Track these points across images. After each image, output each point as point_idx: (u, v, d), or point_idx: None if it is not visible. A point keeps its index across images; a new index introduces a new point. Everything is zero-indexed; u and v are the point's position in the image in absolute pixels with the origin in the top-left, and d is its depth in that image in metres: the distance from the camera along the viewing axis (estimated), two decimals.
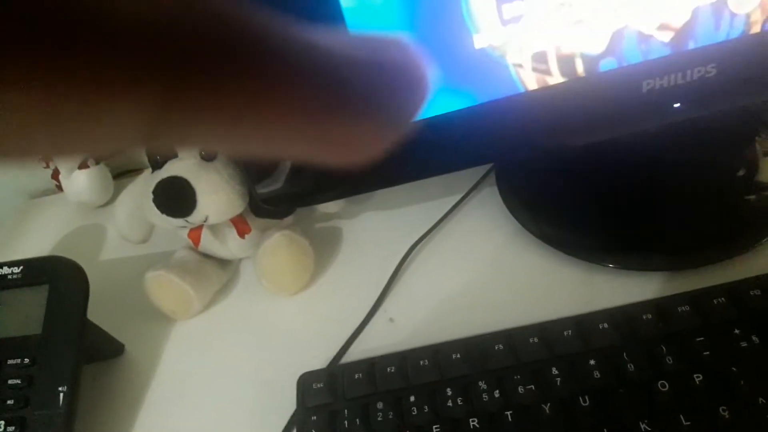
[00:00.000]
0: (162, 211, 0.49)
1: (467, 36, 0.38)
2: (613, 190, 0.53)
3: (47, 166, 0.71)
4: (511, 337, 0.43)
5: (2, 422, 0.44)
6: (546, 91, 0.40)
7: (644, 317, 0.42)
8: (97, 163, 0.69)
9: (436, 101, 0.41)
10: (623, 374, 0.40)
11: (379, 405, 0.42)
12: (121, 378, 0.53)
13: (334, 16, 0.36)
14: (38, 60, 0.08)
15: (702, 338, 0.40)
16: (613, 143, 0.44)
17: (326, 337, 0.50)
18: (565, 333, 0.42)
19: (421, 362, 0.43)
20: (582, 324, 0.43)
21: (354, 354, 0.48)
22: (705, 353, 0.39)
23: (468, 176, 0.60)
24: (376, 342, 0.49)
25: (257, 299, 0.55)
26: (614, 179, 0.53)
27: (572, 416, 0.39)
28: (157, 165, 0.51)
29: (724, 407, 0.36)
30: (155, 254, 0.61)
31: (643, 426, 0.37)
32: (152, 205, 0.49)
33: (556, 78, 0.40)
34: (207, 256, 0.57)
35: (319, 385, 0.44)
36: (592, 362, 0.40)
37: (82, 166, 0.68)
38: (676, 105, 0.42)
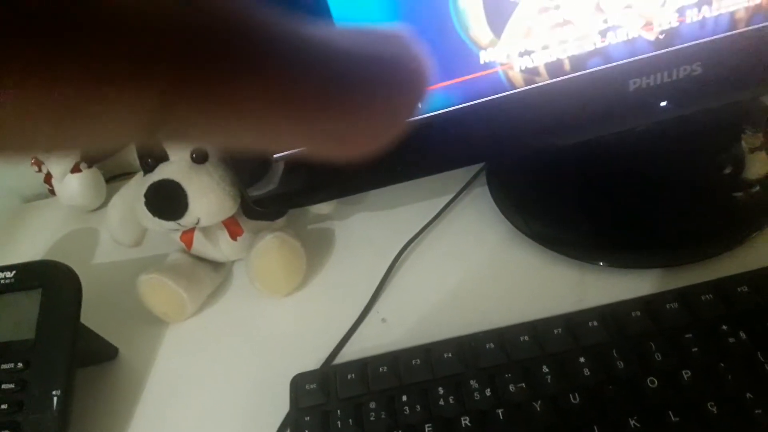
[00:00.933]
0: (154, 214, 0.49)
1: (455, 37, 0.38)
2: (603, 188, 0.53)
3: (39, 170, 0.71)
4: (502, 336, 0.44)
5: None
6: (534, 90, 0.41)
7: (633, 314, 0.42)
8: (90, 166, 0.69)
9: (425, 102, 0.41)
10: (613, 371, 0.40)
11: (372, 405, 0.42)
12: (115, 381, 0.53)
13: (320, 14, 0.36)
14: (39, 55, 0.08)
15: (690, 335, 0.40)
16: (601, 142, 0.45)
17: (319, 338, 0.50)
18: (556, 331, 0.43)
19: (413, 362, 0.44)
20: (572, 322, 0.43)
21: (347, 354, 0.49)
22: (693, 349, 0.39)
23: (459, 176, 0.60)
24: (369, 342, 0.49)
25: (250, 301, 0.56)
26: (603, 178, 0.54)
27: (562, 413, 0.39)
28: (148, 168, 0.52)
29: (712, 403, 0.37)
30: (148, 257, 0.61)
31: (632, 422, 0.37)
32: (144, 208, 0.50)
33: (543, 78, 0.40)
34: (199, 259, 0.57)
35: (312, 386, 0.44)
36: (582, 360, 0.41)
37: (75, 170, 0.68)
38: (663, 103, 0.42)
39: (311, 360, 0.48)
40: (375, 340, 0.49)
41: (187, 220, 0.50)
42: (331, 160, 0.13)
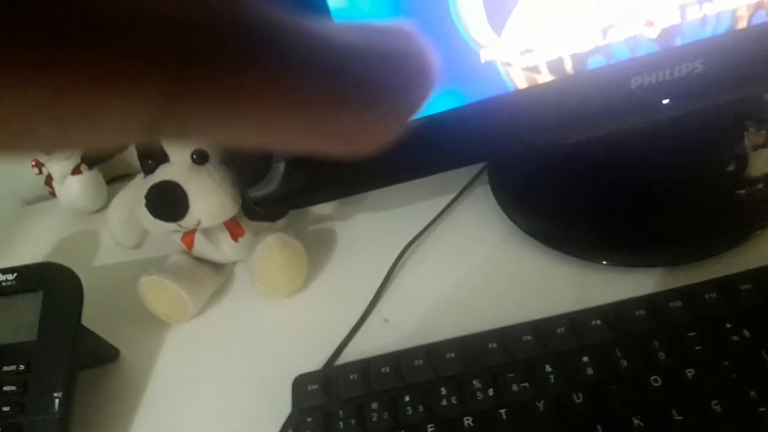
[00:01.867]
0: (154, 216, 0.49)
1: (455, 35, 0.38)
2: (605, 187, 0.53)
3: (40, 172, 0.71)
4: (505, 335, 0.43)
5: None
6: (535, 89, 0.40)
7: (636, 313, 0.42)
8: (91, 168, 0.69)
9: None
10: (616, 370, 0.40)
11: (374, 405, 0.42)
12: (117, 383, 0.53)
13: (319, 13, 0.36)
14: (42, 53, 0.08)
15: (694, 333, 0.40)
16: (603, 141, 0.45)
17: (321, 339, 0.50)
18: (559, 330, 0.42)
19: (416, 362, 0.43)
20: (575, 321, 0.43)
21: (349, 355, 0.49)
22: (697, 348, 0.39)
23: (460, 176, 0.60)
24: (371, 343, 0.49)
25: (251, 302, 0.56)
26: (606, 177, 0.54)
27: (566, 413, 0.39)
28: (149, 169, 0.51)
29: (716, 401, 0.37)
30: (149, 259, 0.61)
31: (636, 421, 0.37)
32: (145, 210, 0.49)
33: (545, 76, 0.40)
34: (201, 260, 0.57)
35: (314, 387, 0.44)
36: (585, 359, 0.41)
37: (75, 171, 0.68)
38: (665, 101, 0.42)
39: (313, 361, 0.48)
40: (377, 340, 0.49)
41: (188, 221, 0.50)
42: (338, 159, 0.13)
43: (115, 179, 0.75)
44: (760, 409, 0.36)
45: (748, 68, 0.41)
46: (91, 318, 0.49)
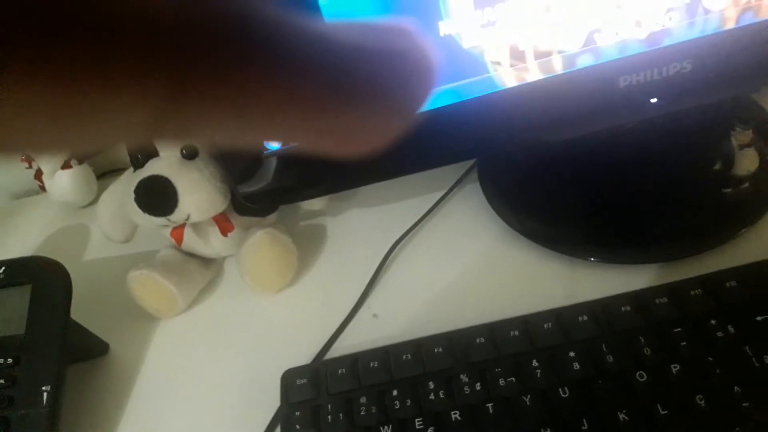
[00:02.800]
0: (144, 210, 0.49)
1: (446, 36, 0.38)
2: (594, 185, 0.54)
3: (30, 167, 0.71)
4: (493, 331, 0.44)
5: None
6: (525, 87, 0.41)
7: (623, 309, 0.42)
8: (81, 162, 0.69)
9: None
10: (602, 365, 0.40)
11: (363, 399, 0.42)
12: (106, 377, 0.53)
13: (310, 12, 0.36)
14: (41, 53, 0.08)
15: (679, 329, 0.40)
16: (592, 139, 0.45)
17: (310, 334, 0.50)
18: (546, 326, 0.43)
19: (404, 356, 0.44)
20: (562, 317, 0.43)
21: (339, 350, 0.49)
22: (682, 343, 0.40)
23: (450, 172, 0.60)
24: (361, 338, 0.49)
25: (241, 297, 0.56)
26: (594, 174, 0.54)
27: (552, 407, 0.39)
28: (138, 164, 0.51)
29: (701, 396, 0.37)
30: (139, 254, 0.61)
31: (621, 416, 0.38)
32: (134, 204, 0.49)
33: (534, 75, 0.40)
34: (190, 255, 0.57)
35: (302, 381, 0.44)
36: (571, 354, 0.41)
37: (66, 166, 0.68)
38: (653, 100, 0.42)
39: (302, 355, 0.48)
40: (366, 335, 0.49)
41: (178, 216, 0.50)
42: (336, 156, 0.13)
43: (105, 173, 0.75)
44: (744, 404, 0.37)
45: (736, 68, 0.41)
46: (80, 312, 0.49)
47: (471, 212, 0.57)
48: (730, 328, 0.40)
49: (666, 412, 0.37)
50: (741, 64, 0.41)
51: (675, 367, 0.39)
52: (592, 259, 0.49)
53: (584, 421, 0.38)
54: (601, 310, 0.43)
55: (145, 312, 0.55)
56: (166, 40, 0.09)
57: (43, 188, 0.71)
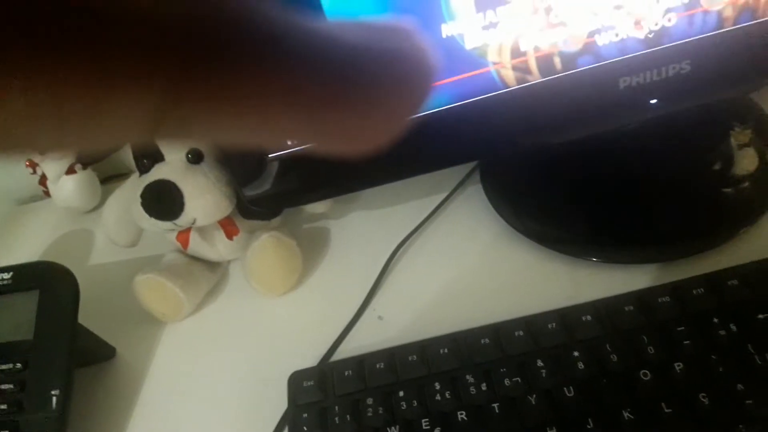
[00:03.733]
0: (150, 215, 0.50)
1: (447, 35, 0.38)
2: (595, 185, 0.54)
3: (34, 172, 0.71)
4: (498, 331, 0.44)
5: None
6: (525, 89, 0.41)
7: (626, 309, 0.43)
8: (85, 167, 0.69)
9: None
10: (606, 365, 0.41)
11: (369, 401, 0.42)
12: (113, 381, 0.53)
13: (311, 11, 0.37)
14: (42, 54, 0.08)
15: (682, 328, 0.41)
16: (593, 139, 0.45)
17: (316, 336, 0.50)
18: (550, 326, 0.43)
19: (410, 358, 0.44)
20: (566, 317, 0.44)
21: (344, 352, 0.49)
22: (685, 342, 0.40)
23: (453, 174, 0.60)
24: (366, 340, 0.49)
25: (247, 300, 0.56)
26: (595, 175, 0.54)
27: (557, 407, 0.40)
28: (144, 169, 0.52)
29: (704, 394, 0.38)
30: (144, 258, 0.61)
31: (626, 414, 0.38)
32: (140, 208, 0.50)
33: (534, 76, 0.41)
34: (196, 259, 0.57)
35: (309, 383, 0.44)
36: (576, 354, 0.41)
37: (70, 171, 0.68)
38: (653, 101, 0.43)
39: (308, 357, 0.49)
40: (371, 337, 0.49)
41: (184, 220, 0.50)
42: (337, 156, 0.13)
43: (110, 178, 0.75)
44: (747, 402, 0.37)
45: (735, 68, 0.42)
46: (86, 316, 0.50)
47: (473, 214, 0.57)
48: (733, 327, 0.40)
49: (670, 410, 0.37)
50: (740, 64, 0.41)
51: (678, 365, 0.39)
52: (594, 259, 0.49)
53: (589, 420, 0.38)
54: (605, 309, 0.43)
55: (151, 316, 0.55)
56: (167, 40, 0.09)
57: (47, 193, 0.72)
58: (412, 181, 0.50)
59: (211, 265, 0.58)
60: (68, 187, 0.69)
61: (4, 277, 0.50)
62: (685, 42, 0.40)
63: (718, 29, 0.39)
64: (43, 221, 0.74)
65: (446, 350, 0.44)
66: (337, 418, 0.42)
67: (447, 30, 0.38)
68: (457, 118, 0.42)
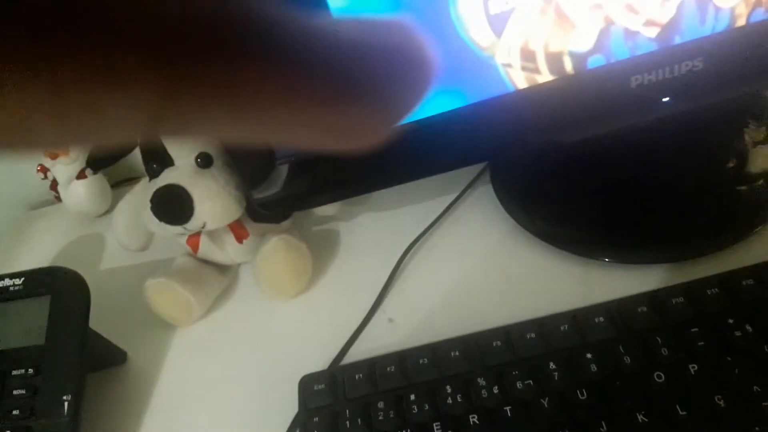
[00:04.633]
0: (160, 219, 0.50)
1: (456, 37, 0.38)
2: (607, 185, 0.54)
3: (45, 177, 0.72)
4: (509, 334, 0.44)
5: None
6: (536, 89, 0.41)
7: (639, 310, 0.42)
8: (95, 172, 0.70)
9: (428, 103, 0.41)
10: (620, 367, 0.40)
11: (380, 404, 0.42)
12: (124, 385, 0.53)
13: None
14: (42, 49, 0.08)
15: (696, 329, 0.40)
16: (604, 138, 0.45)
17: (326, 339, 0.50)
18: (562, 328, 0.43)
19: (421, 361, 0.44)
20: (578, 318, 0.43)
21: (355, 355, 0.49)
22: (699, 343, 0.40)
23: (463, 175, 0.60)
24: (376, 342, 0.49)
25: (257, 303, 0.56)
26: (607, 174, 0.54)
27: (570, 410, 0.39)
28: (153, 173, 0.52)
29: (719, 396, 0.37)
30: (155, 261, 0.61)
31: (640, 417, 0.38)
32: (150, 213, 0.50)
33: (545, 76, 0.40)
34: (206, 262, 0.57)
35: (320, 387, 0.44)
36: (588, 356, 0.41)
37: (80, 176, 0.69)
38: (665, 99, 0.42)
39: (319, 361, 0.49)
40: (382, 339, 0.49)
41: (194, 224, 0.50)
42: (339, 154, 0.13)
43: (120, 183, 0.76)
44: (764, 404, 0.36)
45: (748, 65, 0.41)
46: (97, 321, 0.50)
47: (484, 214, 0.57)
48: (748, 327, 0.39)
49: (685, 412, 0.37)
50: (753, 60, 0.41)
51: (693, 367, 0.39)
52: (606, 259, 0.48)
53: (603, 423, 0.38)
54: (617, 310, 0.43)
55: (161, 320, 0.55)
56: (168, 35, 0.09)
57: (58, 198, 0.72)
58: (422, 182, 0.50)
59: (222, 269, 0.58)
60: (79, 191, 0.69)
61: (16, 283, 0.50)
62: (698, 39, 0.39)
63: (730, 26, 0.39)
64: (54, 226, 0.74)
65: (457, 353, 0.43)
66: (348, 422, 0.42)
67: (455, 31, 0.38)
68: (467, 119, 0.42)
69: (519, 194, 0.56)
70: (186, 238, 0.54)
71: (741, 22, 0.39)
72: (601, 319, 0.42)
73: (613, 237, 0.50)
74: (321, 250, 0.58)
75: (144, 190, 0.52)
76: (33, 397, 0.45)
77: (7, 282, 0.50)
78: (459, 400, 0.41)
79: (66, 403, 0.45)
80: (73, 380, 0.46)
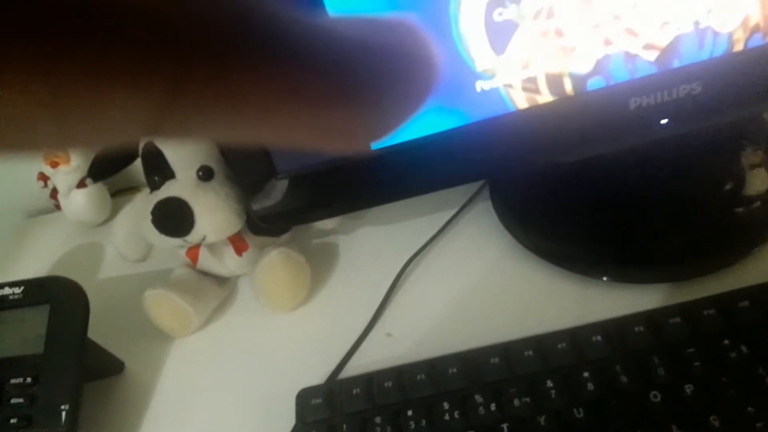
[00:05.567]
0: (160, 232, 0.50)
1: (457, 57, 0.39)
2: (606, 204, 0.54)
3: (45, 186, 0.72)
4: (507, 351, 0.44)
5: None
6: (536, 110, 0.41)
7: (636, 329, 0.43)
8: (96, 181, 0.70)
9: (428, 121, 0.41)
10: (616, 386, 0.40)
11: (377, 419, 0.42)
12: (122, 395, 0.53)
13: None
14: (43, 51, 0.08)
15: (692, 349, 0.41)
16: (603, 159, 0.45)
17: (324, 353, 0.50)
18: (560, 346, 0.43)
19: (418, 376, 0.44)
20: (576, 337, 0.43)
21: (352, 369, 0.49)
22: (695, 364, 0.40)
23: (462, 191, 0.61)
24: (374, 357, 0.49)
25: (255, 316, 0.56)
26: (606, 194, 0.54)
27: (567, 428, 0.39)
28: (155, 185, 0.52)
29: (715, 416, 0.37)
30: (154, 272, 0.62)
31: None
32: (151, 225, 0.50)
33: (545, 97, 0.41)
34: (205, 274, 0.57)
35: (317, 401, 0.44)
36: (585, 374, 0.41)
37: (80, 185, 0.69)
38: (663, 121, 0.43)
39: (317, 374, 0.49)
40: (380, 354, 0.49)
41: (194, 237, 0.50)
42: (339, 153, 0.13)
43: (120, 192, 0.76)
44: (758, 425, 0.37)
45: (745, 89, 0.41)
46: (96, 331, 0.50)
47: (483, 231, 0.57)
48: (743, 348, 0.40)
49: None
50: (751, 85, 0.41)
51: (689, 387, 0.39)
52: (604, 278, 0.49)
53: None
54: (615, 329, 0.43)
55: (160, 330, 0.55)
56: (167, 36, 0.09)
57: (58, 207, 0.72)
58: (421, 198, 0.50)
59: (220, 281, 0.58)
60: (79, 200, 0.69)
61: (15, 292, 0.50)
62: (696, 63, 0.40)
63: (728, 51, 0.40)
64: (54, 234, 0.74)
65: (455, 369, 0.44)
66: None
67: (456, 51, 0.38)
68: (467, 138, 0.42)
69: (518, 211, 0.56)
70: (185, 249, 0.54)
71: (739, 47, 0.40)
72: (599, 337, 0.43)
73: (612, 256, 0.50)
74: (320, 264, 0.58)
75: (144, 202, 0.52)
76: (30, 406, 0.45)
77: (7, 290, 0.50)
78: (456, 416, 0.41)
79: (63, 413, 0.45)
80: (70, 390, 0.46)
